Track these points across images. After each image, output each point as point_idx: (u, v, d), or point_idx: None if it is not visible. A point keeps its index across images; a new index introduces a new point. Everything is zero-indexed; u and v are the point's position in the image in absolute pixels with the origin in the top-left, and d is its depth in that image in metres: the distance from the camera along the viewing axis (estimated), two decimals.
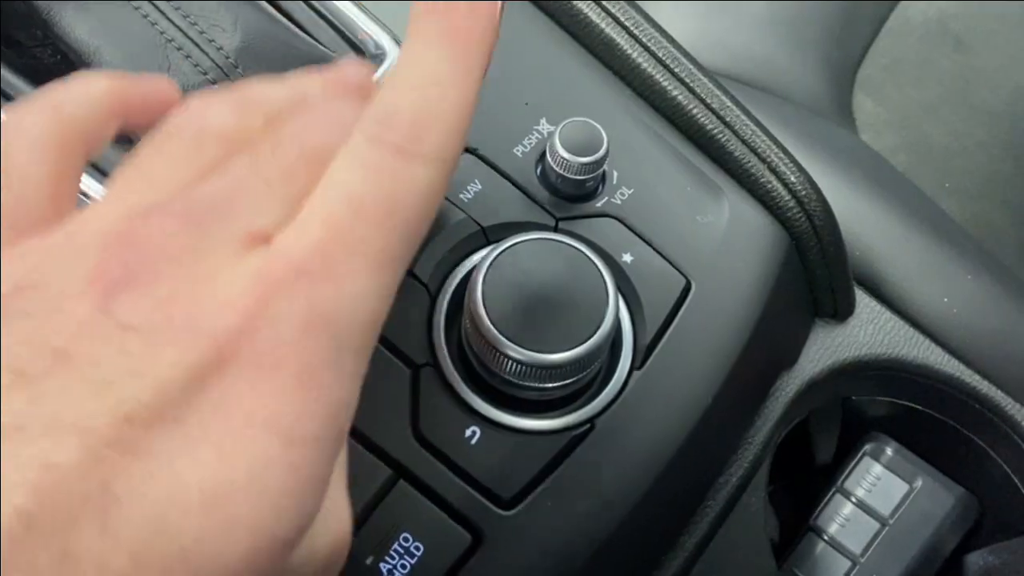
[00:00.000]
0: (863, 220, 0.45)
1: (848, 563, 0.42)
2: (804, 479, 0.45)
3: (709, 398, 0.34)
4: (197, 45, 0.33)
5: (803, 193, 0.37)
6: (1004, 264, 0.52)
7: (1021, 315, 0.45)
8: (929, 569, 0.42)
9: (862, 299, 0.42)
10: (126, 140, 0.26)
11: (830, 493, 0.43)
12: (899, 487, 0.42)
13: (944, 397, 0.42)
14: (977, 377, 0.41)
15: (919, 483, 0.42)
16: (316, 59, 0.35)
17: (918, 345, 0.41)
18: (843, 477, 0.43)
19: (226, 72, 0.33)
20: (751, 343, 0.35)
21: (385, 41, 0.35)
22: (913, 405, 0.43)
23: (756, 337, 0.35)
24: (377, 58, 0.35)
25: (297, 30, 0.36)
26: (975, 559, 0.42)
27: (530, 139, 0.36)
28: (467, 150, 0.35)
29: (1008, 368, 0.42)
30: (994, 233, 0.57)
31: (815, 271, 0.39)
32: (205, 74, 0.33)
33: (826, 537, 0.42)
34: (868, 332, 0.41)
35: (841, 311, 0.40)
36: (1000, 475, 0.42)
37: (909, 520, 0.42)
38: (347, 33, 0.36)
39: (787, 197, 0.37)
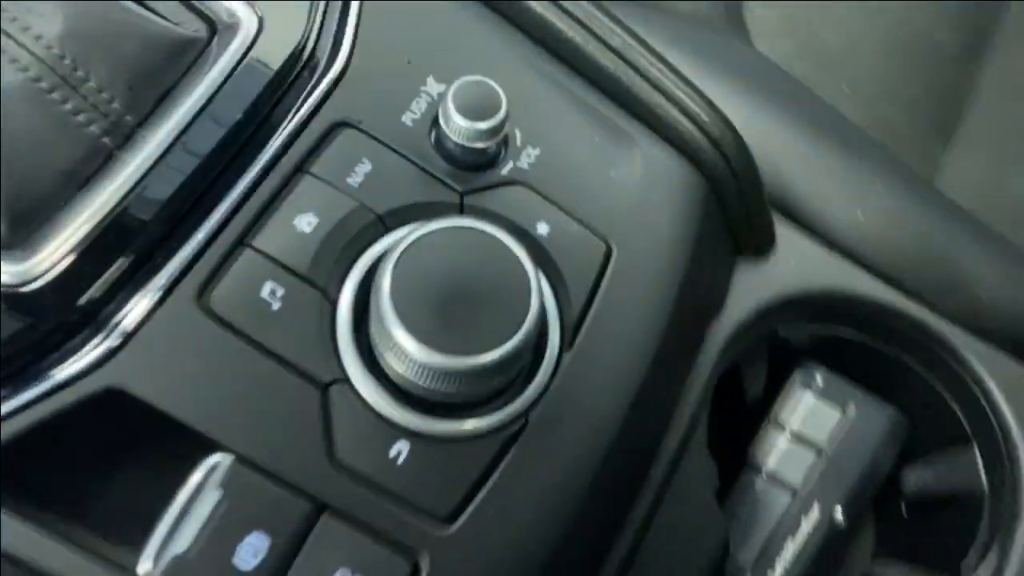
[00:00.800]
0: (771, 143, 0.43)
1: (788, 495, 0.41)
2: (737, 416, 0.44)
3: (644, 368, 0.32)
4: (12, 38, 0.27)
5: (718, 134, 0.34)
6: (909, 165, 0.51)
7: (933, 220, 0.44)
8: (867, 491, 0.42)
9: (780, 228, 0.40)
10: None
11: (764, 428, 0.42)
12: (831, 415, 0.42)
13: (868, 319, 0.41)
14: (898, 295, 0.40)
15: (851, 408, 0.42)
16: (157, 37, 0.30)
17: (839, 271, 0.40)
18: (776, 410, 0.42)
19: (52, 66, 0.28)
20: (679, 300, 0.33)
21: (240, 8, 0.30)
22: (839, 331, 0.42)
23: (683, 293, 0.33)
24: (230, 29, 0.30)
25: (131, 2, 0.30)
26: (909, 474, 0.43)
27: (419, 103, 0.32)
28: (348, 124, 0.31)
29: (926, 279, 0.42)
30: (895, 134, 0.57)
31: (734, 211, 0.37)
32: (26, 71, 0.28)
33: (764, 473, 0.42)
34: (790, 265, 0.39)
35: (762, 246, 0.39)
36: (927, 390, 0.41)
37: (844, 445, 0.41)
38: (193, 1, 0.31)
39: (701, 139, 0.34)
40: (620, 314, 0.32)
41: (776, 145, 0.42)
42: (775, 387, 0.43)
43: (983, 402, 0.39)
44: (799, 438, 0.42)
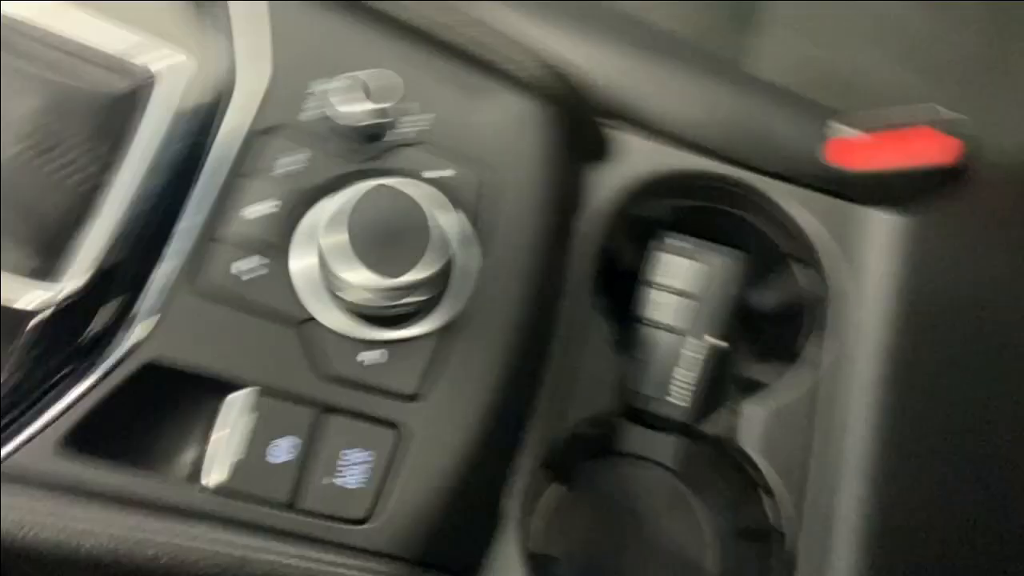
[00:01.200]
0: (602, 65, 0.53)
1: (669, 335, 0.53)
2: (616, 289, 0.55)
3: (535, 260, 0.42)
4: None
5: (543, 73, 0.44)
6: (718, 55, 0.62)
7: (744, 98, 0.55)
8: (729, 316, 0.53)
9: (618, 132, 0.51)
10: None
11: (641, 288, 0.53)
12: (689, 265, 0.53)
13: (702, 188, 0.52)
14: (722, 164, 0.52)
15: (704, 257, 0.53)
16: (98, 99, 0.38)
17: (671, 156, 0.51)
18: (647, 273, 0.53)
19: (30, 142, 0.36)
20: (547, 205, 0.44)
21: (167, 57, 0.39)
22: (683, 202, 0.53)
23: (549, 198, 0.44)
24: (162, 78, 0.39)
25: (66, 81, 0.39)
26: (756, 296, 0.54)
27: (310, 101, 0.41)
28: (263, 131, 0.40)
29: (745, 147, 0.53)
30: (701, 29, 0.67)
31: (574, 126, 0.47)
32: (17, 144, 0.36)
33: (650, 322, 0.53)
34: (627, 161, 0.50)
35: (604, 150, 0.49)
36: (758, 232, 0.53)
37: (704, 286, 0.53)
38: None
39: (534, 79, 0.44)
40: (509, 225, 0.42)
41: (605, 67, 0.53)
42: (642, 258, 0.54)
43: (796, 231, 0.51)
44: (668, 289, 0.53)
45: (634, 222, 0.54)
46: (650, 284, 0.53)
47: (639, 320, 0.53)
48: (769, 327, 0.54)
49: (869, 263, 0.49)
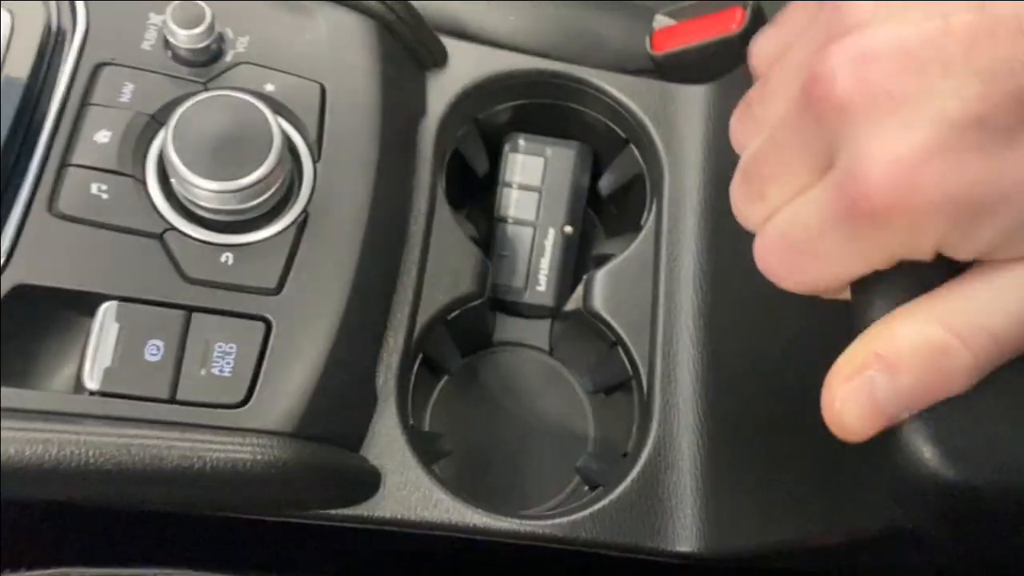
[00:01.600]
0: None
1: (529, 228, 0.57)
2: (479, 193, 0.58)
3: (375, 161, 0.45)
4: None
5: None
6: None
7: (568, 6, 0.59)
8: (580, 204, 0.57)
9: (452, 44, 0.54)
10: None
11: (497, 189, 0.57)
12: (537, 161, 0.57)
13: (538, 87, 0.56)
14: (552, 63, 0.55)
15: (549, 152, 0.57)
16: None
17: (504, 59, 0.55)
18: (500, 174, 0.57)
19: None
20: (385, 111, 0.47)
21: None
22: (523, 101, 0.57)
23: (387, 105, 0.47)
24: None
25: None
26: (602, 181, 0.59)
27: (150, 32, 0.44)
28: (106, 63, 0.42)
29: (572, 46, 0.57)
30: None
31: (407, 39, 0.50)
32: None
33: (509, 220, 0.57)
34: (464, 66, 0.53)
35: (439, 59, 0.53)
36: (596, 121, 0.57)
37: (553, 180, 0.57)
38: None
39: None
40: (346, 128, 0.45)
41: None
42: (496, 160, 0.58)
43: (627, 115, 0.55)
44: (521, 186, 0.57)
45: (485, 127, 0.58)
46: (505, 184, 0.57)
47: (500, 218, 0.57)
48: (616, 207, 0.59)
49: (686, 134, 0.53)
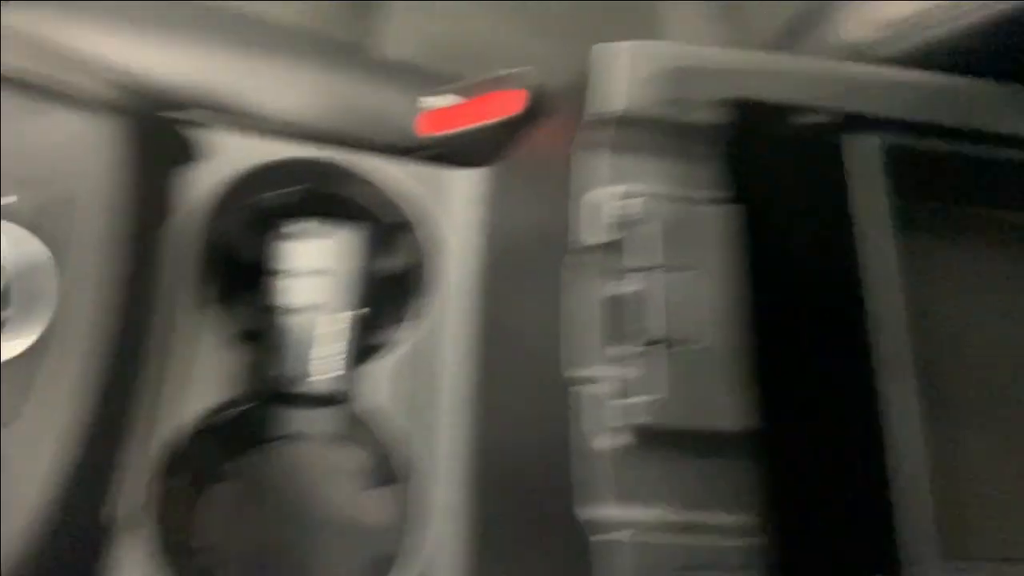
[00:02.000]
0: (206, 69, 0.54)
1: (305, 316, 0.55)
2: (245, 282, 0.56)
3: (120, 270, 0.43)
4: None
5: (107, 86, 0.45)
6: (335, 40, 0.64)
7: (337, 86, 0.58)
8: (355, 286, 0.56)
9: (211, 133, 0.52)
10: None
11: (278, 278, 0.55)
12: (313, 247, 0.56)
13: (305, 173, 0.54)
14: (314, 148, 0.54)
15: (325, 237, 0.56)
16: None
17: (268, 147, 0.53)
18: (274, 262, 0.55)
19: None
20: (124, 215, 0.44)
21: None
22: (294, 187, 0.55)
23: (126, 209, 0.44)
24: None
25: None
26: (381, 268, 0.58)
27: None
28: None
29: (337, 131, 0.56)
30: (326, 18, 0.69)
31: (153, 134, 0.48)
32: None
33: (285, 308, 0.55)
34: (229, 157, 0.51)
35: (191, 153, 0.50)
36: (372, 210, 0.56)
37: (326, 264, 0.56)
38: None
39: (100, 89, 0.45)
40: (84, 241, 0.43)
41: (188, 67, 0.54)
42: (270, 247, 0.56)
43: (401, 202, 0.54)
44: (292, 272, 0.55)
45: (253, 215, 0.56)
46: (274, 271, 0.55)
47: (271, 308, 0.55)
48: (394, 291, 0.58)
49: (459, 221, 0.53)
